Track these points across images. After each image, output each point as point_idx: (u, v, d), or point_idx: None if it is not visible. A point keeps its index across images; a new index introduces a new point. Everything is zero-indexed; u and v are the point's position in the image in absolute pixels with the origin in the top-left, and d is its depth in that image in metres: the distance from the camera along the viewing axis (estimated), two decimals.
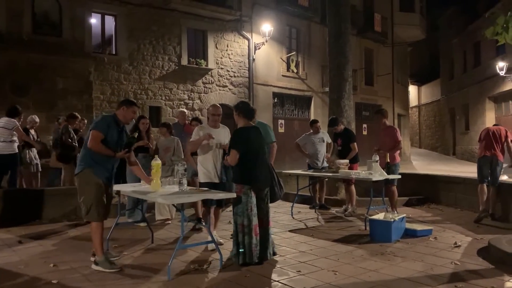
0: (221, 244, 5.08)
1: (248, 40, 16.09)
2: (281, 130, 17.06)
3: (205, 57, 15.03)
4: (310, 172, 7.60)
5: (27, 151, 8.20)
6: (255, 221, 4.45)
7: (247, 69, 16.09)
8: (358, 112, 19.94)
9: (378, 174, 6.28)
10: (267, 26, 15.71)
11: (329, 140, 7.97)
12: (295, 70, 17.74)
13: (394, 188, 7.00)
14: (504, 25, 4.82)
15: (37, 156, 8.47)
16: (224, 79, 15.51)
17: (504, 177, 7.27)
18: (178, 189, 4.48)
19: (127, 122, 4.62)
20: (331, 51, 9.92)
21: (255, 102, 15.53)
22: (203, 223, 5.09)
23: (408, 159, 23.26)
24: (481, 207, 6.70)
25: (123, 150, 4.44)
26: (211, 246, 4.80)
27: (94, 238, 4.29)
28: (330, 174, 7.16)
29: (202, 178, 5.11)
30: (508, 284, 3.90)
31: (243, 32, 15.94)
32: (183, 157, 6.62)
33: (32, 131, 8.42)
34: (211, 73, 15.12)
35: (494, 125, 7.48)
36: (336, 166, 7.15)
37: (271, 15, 16.30)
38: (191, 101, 14.58)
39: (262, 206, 4.56)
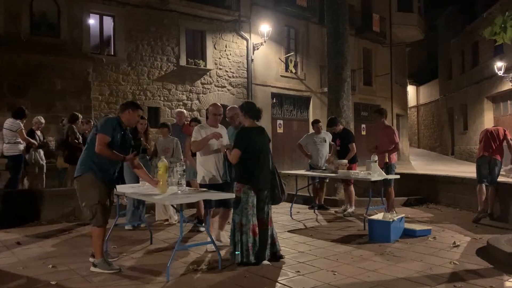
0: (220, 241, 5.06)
1: (247, 40, 16.09)
2: (279, 130, 17.07)
3: (203, 57, 15.02)
4: (309, 172, 7.59)
5: (33, 152, 8.20)
6: (254, 221, 4.46)
7: (246, 69, 16.09)
8: (357, 112, 19.98)
9: (377, 174, 6.29)
10: (265, 27, 15.71)
11: (332, 143, 7.91)
12: (293, 71, 17.75)
13: (391, 189, 7.00)
14: (502, 25, 4.83)
15: (43, 157, 8.49)
16: (223, 79, 15.51)
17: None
18: (177, 189, 4.47)
19: (131, 125, 4.59)
20: (330, 51, 9.94)
21: (254, 103, 15.49)
22: (203, 224, 5.07)
23: (407, 159, 23.29)
24: (480, 207, 6.70)
25: (131, 153, 4.42)
26: (211, 247, 4.79)
27: (96, 242, 4.24)
28: (329, 174, 7.16)
29: (201, 179, 5.05)
30: (507, 283, 3.90)
31: (242, 32, 15.95)
32: (182, 158, 6.61)
33: (38, 132, 8.44)
34: (210, 74, 15.12)
35: (493, 126, 7.50)
36: (335, 166, 7.15)
37: (269, 15, 16.31)
38: (189, 102, 14.58)
39: (262, 206, 4.56)
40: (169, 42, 14.16)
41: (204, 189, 4.81)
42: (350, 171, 7.03)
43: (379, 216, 5.77)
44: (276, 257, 4.60)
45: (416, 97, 32.95)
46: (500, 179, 7.00)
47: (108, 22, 13.37)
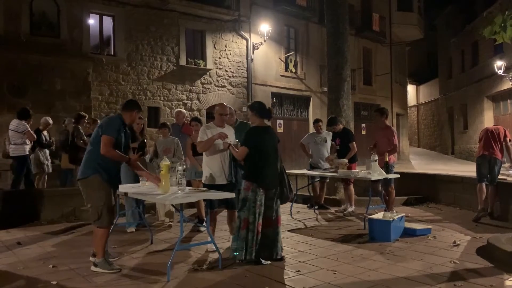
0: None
1: (247, 40, 16.09)
2: (279, 130, 17.06)
3: (203, 57, 15.02)
4: (309, 172, 7.59)
5: (39, 153, 8.22)
6: (260, 220, 4.47)
7: (246, 69, 16.09)
8: (357, 112, 19.97)
9: (377, 174, 6.29)
10: (265, 26, 15.71)
11: (332, 142, 7.86)
12: (293, 70, 17.75)
13: (391, 188, 7.00)
14: (502, 24, 4.83)
15: (49, 158, 8.51)
16: (223, 79, 15.51)
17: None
18: (177, 189, 4.46)
19: (132, 124, 4.65)
20: (330, 50, 9.93)
21: None
22: (204, 225, 5.06)
23: (407, 158, 23.30)
24: (480, 206, 6.70)
25: (136, 153, 4.42)
26: (211, 247, 4.79)
27: (98, 242, 4.23)
28: (328, 173, 7.16)
29: (206, 179, 5.01)
30: (507, 282, 3.90)
31: (242, 32, 15.94)
32: (183, 157, 6.60)
33: (45, 132, 8.45)
34: (210, 74, 15.11)
35: (493, 125, 7.50)
36: (335, 165, 7.15)
37: (269, 15, 16.31)
38: (189, 102, 14.58)
39: (270, 204, 4.58)
40: (169, 42, 14.16)
41: (204, 188, 4.80)
42: (350, 170, 7.03)
43: (379, 215, 5.78)
44: (277, 257, 4.59)
45: (416, 97, 32.95)
46: (501, 176, 7.00)
47: (108, 22, 13.36)
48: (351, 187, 7.57)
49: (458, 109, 25.33)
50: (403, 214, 6.01)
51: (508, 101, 20.38)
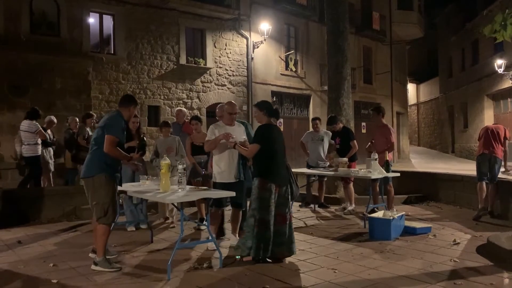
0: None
1: (247, 39, 16.08)
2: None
3: (203, 56, 15.02)
4: (309, 170, 7.59)
5: (43, 151, 8.23)
6: (273, 217, 4.48)
7: (246, 68, 16.09)
8: (357, 111, 19.96)
9: (377, 172, 6.29)
10: (265, 25, 15.70)
11: (332, 141, 7.85)
12: (293, 69, 17.74)
13: (390, 187, 7.00)
14: (502, 23, 4.83)
15: (52, 157, 8.53)
16: (223, 78, 15.51)
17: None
18: (178, 188, 4.47)
19: (129, 119, 4.68)
20: (330, 49, 9.93)
21: (254, 101, 15.51)
22: (205, 223, 5.06)
23: (407, 157, 23.30)
24: (480, 205, 6.71)
25: (138, 153, 4.44)
26: (211, 245, 4.80)
27: (100, 240, 4.24)
28: (328, 172, 7.16)
29: (217, 178, 5.04)
30: (507, 281, 3.91)
31: (242, 31, 15.94)
32: (185, 155, 6.59)
33: (49, 131, 8.47)
34: (210, 72, 15.11)
35: (493, 124, 7.50)
36: (335, 164, 7.14)
37: (269, 13, 16.30)
38: (189, 100, 14.58)
39: (283, 201, 4.59)
40: (169, 40, 14.16)
41: (204, 187, 4.81)
42: (350, 169, 7.03)
43: (379, 214, 5.78)
44: (295, 252, 4.59)
45: (416, 95, 32.94)
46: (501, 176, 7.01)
47: (108, 21, 13.36)
48: (351, 185, 7.57)
49: (458, 107, 25.33)
50: (403, 213, 6.02)
51: (508, 99, 20.38)
